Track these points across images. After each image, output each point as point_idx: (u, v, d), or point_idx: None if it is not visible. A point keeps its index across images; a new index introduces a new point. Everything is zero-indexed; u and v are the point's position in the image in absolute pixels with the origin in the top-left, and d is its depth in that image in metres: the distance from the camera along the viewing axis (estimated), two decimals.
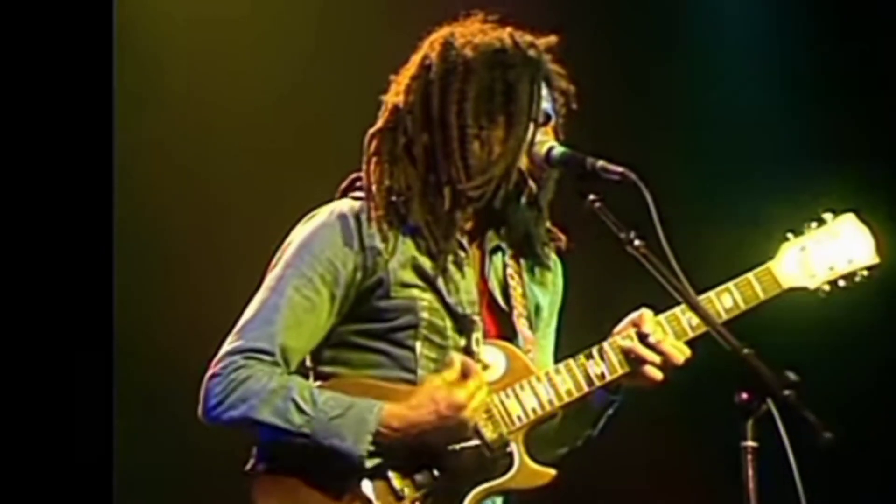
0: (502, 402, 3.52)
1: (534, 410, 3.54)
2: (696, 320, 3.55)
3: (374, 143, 3.61)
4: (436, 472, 3.47)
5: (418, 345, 3.53)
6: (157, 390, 5.30)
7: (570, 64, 3.66)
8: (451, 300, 3.56)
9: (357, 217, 3.56)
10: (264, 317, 3.51)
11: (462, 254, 3.60)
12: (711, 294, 3.63)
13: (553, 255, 3.77)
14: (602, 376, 3.58)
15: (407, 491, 3.46)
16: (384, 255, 3.53)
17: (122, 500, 5.18)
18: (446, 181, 3.55)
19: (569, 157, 3.51)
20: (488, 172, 3.54)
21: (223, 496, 3.75)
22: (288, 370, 3.51)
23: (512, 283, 3.67)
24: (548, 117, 3.59)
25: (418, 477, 3.47)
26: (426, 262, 3.56)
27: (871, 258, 3.77)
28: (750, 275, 3.68)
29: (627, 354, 3.57)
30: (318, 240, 3.55)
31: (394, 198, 3.56)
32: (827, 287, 3.73)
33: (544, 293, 3.75)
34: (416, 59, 3.63)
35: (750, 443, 3.10)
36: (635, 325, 3.58)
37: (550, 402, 3.55)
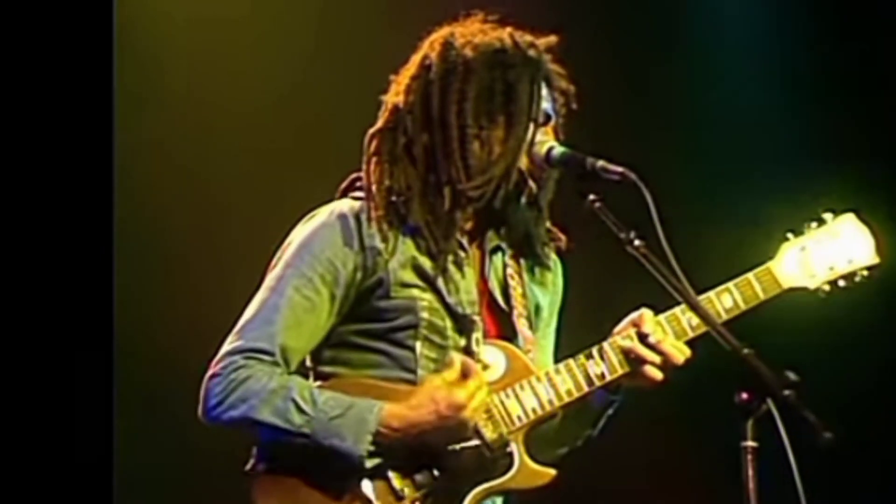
0: (502, 402, 3.52)
1: (534, 410, 3.53)
2: (696, 320, 3.55)
3: (374, 143, 3.61)
4: (436, 472, 3.47)
5: (418, 345, 3.53)
6: (157, 390, 5.30)
7: (570, 64, 3.66)
8: (451, 300, 3.55)
9: (357, 217, 3.55)
10: (264, 317, 3.51)
11: (462, 254, 3.60)
12: (711, 294, 3.63)
13: (553, 255, 3.77)
14: (602, 376, 3.57)
15: (407, 491, 3.46)
16: (384, 255, 3.53)
17: (122, 500, 5.17)
18: (446, 181, 3.54)
19: (569, 157, 3.50)
20: (488, 172, 3.53)
21: (223, 496, 3.75)
22: (288, 370, 3.51)
23: (512, 283, 3.67)
24: (548, 117, 3.59)
25: (418, 477, 3.46)
26: (426, 262, 3.55)
27: (871, 258, 3.77)
28: (750, 275, 3.68)
29: (627, 354, 3.57)
30: (318, 240, 3.55)
31: (394, 198, 3.56)
32: (827, 287, 3.73)
33: (544, 293, 3.75)
34: (416, 59, 3.63)
35: (750, 443, 3.10)
36: (635, 325, 3.58)
37: (550, 402, 3.55)
